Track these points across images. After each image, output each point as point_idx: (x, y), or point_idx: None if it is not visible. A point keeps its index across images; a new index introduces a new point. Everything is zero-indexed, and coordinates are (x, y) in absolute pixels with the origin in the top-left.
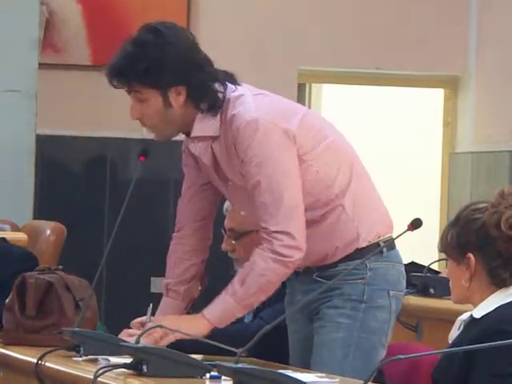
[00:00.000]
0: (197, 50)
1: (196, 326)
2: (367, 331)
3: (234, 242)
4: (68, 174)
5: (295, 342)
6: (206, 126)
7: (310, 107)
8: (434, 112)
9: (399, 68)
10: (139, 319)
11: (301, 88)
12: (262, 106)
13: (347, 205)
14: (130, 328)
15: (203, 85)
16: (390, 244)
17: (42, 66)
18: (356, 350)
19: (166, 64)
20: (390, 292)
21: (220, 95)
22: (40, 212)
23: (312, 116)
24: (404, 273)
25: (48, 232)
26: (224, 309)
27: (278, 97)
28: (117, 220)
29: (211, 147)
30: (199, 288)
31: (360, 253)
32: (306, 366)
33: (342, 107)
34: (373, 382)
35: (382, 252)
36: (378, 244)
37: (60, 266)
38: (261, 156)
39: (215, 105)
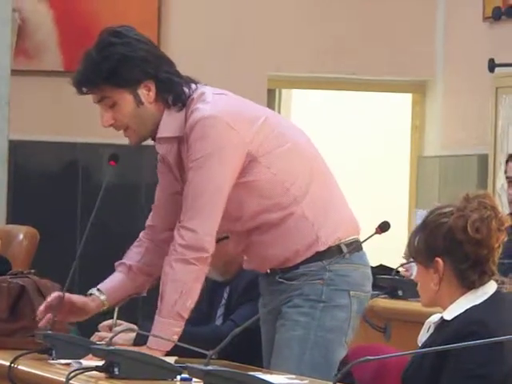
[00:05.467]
0: (158, 48)
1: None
2: (325, 330)
3: None
4: (40, 179)
5: (266, 342)
6: (171, 126)
7: (279, 113)
8: (403, 116)
9: (367, 73)
10: (106, 322)
11: (270, 93)
12: (220, 105)
13: (306, 208)
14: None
15: (169, 79)
16: (355, 247)
17: (14, 72)
18: (313, 347)
19: (134, 60)
20: (351, 292)
21: (185, 90)
22: (13, 217)
23: (274, 119)
24: (369, 275)
25: (21, 236)
26: (159, 330)
27: (241, 98)
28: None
29: (177, 148)
30: (147, 287)
31: (320, 255)
32: None
33: (311, 112)
34: (341, 382)
35: (342, 253)
36: (339, 246)
37: (32, 270)
38: (209, 150)
39: (180, 98)
